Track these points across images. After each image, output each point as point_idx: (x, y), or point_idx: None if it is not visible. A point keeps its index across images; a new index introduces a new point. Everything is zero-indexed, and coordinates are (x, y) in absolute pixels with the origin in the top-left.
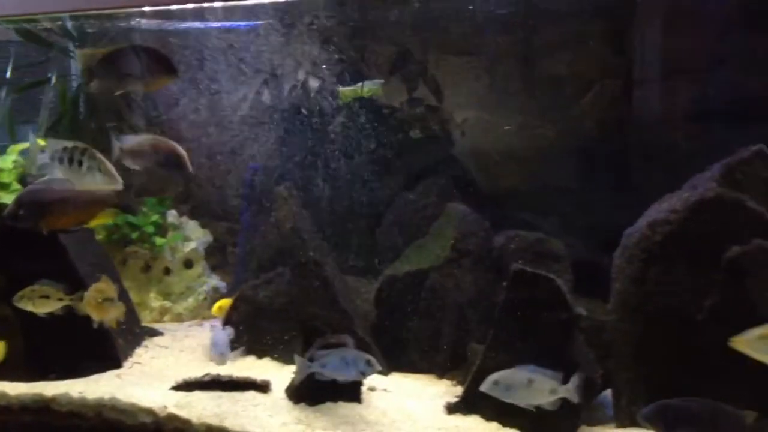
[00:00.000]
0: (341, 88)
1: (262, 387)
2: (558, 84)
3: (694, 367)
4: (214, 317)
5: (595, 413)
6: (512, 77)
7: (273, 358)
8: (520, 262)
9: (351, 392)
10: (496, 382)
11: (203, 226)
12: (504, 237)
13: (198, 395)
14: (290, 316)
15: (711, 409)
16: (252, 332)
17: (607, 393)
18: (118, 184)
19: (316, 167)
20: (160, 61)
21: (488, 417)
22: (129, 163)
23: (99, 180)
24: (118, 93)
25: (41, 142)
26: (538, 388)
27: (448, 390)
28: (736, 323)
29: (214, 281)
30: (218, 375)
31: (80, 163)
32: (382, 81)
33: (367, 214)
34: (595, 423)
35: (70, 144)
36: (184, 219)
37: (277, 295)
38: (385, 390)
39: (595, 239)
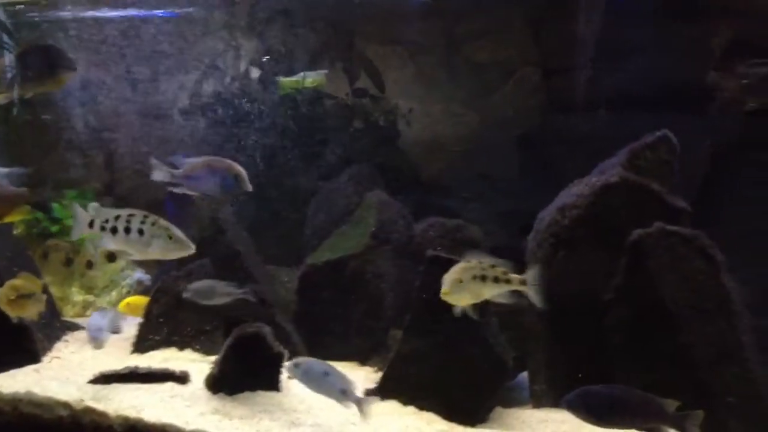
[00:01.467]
0: (282, 79)
1: (181, 378)
2: (480, 72)
3: (603, 346)
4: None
5: (512, 394)
6: (436, 65)
7: (194, 350)
8: (438, 248)
9: (270, 381)
10: (297, 365)
11: None
12: (424, 224)
13: (116, 388)
14: (211, 307)
15: (633, 397)
16: (173, 324)
17: (524, 375)
18: (192, 248)
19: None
20: (57, 58)
21: (405, 402)
22: (188, 191)
23: (170, 248)
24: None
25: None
26: (330, 382)
27: (368, 376)
28: (640, 303)
29: (138, 274)
30: (137, 367)
31: (141, 232)
32: (326, 71)
33: (294, 203)
34: (512, 405)
35: (124, 212)
36: None
37: None
38: None
39: (515, 224)
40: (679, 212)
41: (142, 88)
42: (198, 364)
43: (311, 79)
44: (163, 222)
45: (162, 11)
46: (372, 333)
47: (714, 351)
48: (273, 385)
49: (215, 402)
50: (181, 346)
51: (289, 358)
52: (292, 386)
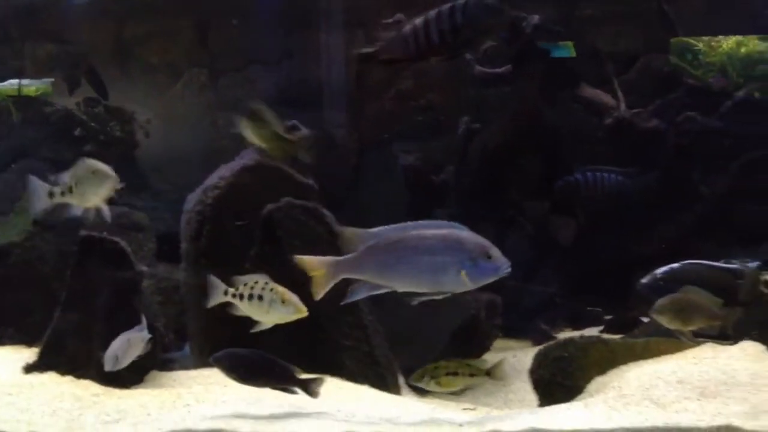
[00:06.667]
0: None
1: None
2: (152, 72)
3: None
4: None
5: (178, 364)
6: (108, 65)
7: None
8: (104, 232)
9: None
10: None
11: None
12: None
13: None
14: None
15: (266, 361)
16: None
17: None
18: None
19: None
20: None
21: (63, 372)
22: None
23: None
24: None
25: None
26: None
27: (32, 356)
28: (273, 269)
29: None
30: None
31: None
32: (52, 80)
33: None
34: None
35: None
36: None
37: None
38: None
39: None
40: (306, 188)
41: None
42: None
43: (35, 87)
44: None
45: None
46: (39, 315)
47: (333, 304)
48: None
49: None
50: None
51: None
52: None
